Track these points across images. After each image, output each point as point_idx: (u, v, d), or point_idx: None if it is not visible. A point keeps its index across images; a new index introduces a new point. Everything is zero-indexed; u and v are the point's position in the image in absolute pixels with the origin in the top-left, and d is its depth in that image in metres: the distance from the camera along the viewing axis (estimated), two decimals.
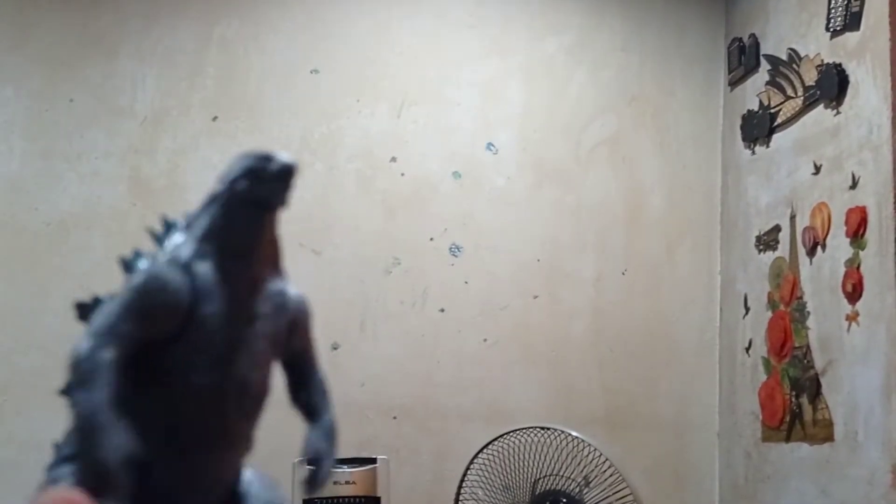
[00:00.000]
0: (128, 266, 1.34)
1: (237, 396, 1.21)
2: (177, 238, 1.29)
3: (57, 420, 2.87)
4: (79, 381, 1.15)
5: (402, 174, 2.88)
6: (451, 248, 2.87)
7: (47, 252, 2.70)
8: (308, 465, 1.29)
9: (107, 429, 1.09)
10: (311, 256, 2.79)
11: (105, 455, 1.07)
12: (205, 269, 1.19)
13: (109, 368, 1.12)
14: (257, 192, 1.20)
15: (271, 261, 1.26)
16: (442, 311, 2.82)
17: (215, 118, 2.83)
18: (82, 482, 1.10)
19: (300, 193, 2.80)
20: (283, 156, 1.21)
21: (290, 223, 2.78)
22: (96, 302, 1.31)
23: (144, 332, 1.15)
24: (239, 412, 1.22)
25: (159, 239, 1.32)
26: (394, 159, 2.89)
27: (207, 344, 1.17)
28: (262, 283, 1.23)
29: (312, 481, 1.29)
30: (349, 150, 2.88)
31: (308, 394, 1.35)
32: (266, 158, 1.21)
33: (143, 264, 1.30)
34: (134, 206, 2.76)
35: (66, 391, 1.20)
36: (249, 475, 1.28)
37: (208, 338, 1.17)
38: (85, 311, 1.31)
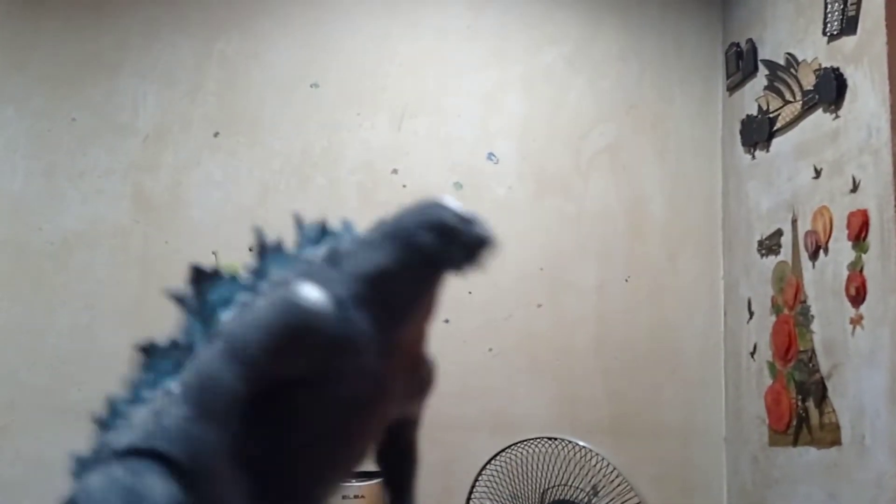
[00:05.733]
0: (264, 250, 1.12)
1: (349, 460, 1.07)
2: (313, 251, 1.09)
3: (63, 438, 2.86)
4: (206, 409, 0.94)
5: (404, 186, 2.89)
6: None
7: (52, 270, 2.71)
8: None
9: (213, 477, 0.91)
10: None
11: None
12: (361, 318, 0.99)
13: (236, 404, 0.94)
14: (444, 255, 1.03)
15: (425, 323, 1.09)
16: (446, 321, 2.82)
17: (216, 134, 2.84)
18: None
19: (302, 206, 2.83)
20: (482, 226, 1.04)
21: (293, 236, 2.82)
22: (153, 348, 1.10)
23: (280, 371, 0.97)
24: (343, 476, 1.07)
25: (303, 239, 1.10)
26: (395, 171, 2.89)
27: (343, 402, 1.00)
28: (414, 349, 1.07)
29: None
30: (350, 162, 2.89)
31: (401, 463, 1.23)
32: (465, 221, 1.04)
33: (277, 268, 1.08)
34: (137, 223, 2.77)
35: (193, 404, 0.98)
36: None
37: (345, 395, 0.99)
38: (149, 353, 1.10)
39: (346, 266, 1.04)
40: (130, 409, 1.04)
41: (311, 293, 0.99)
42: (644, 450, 2.84)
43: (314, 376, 0.99)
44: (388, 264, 1.03)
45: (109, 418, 1.04)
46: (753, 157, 2.86)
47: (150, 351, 1.10)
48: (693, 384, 2.95)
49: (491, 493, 2.43)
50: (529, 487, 2.43)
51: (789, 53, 2.68)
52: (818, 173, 2.50)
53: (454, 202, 1.06)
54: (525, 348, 2.87)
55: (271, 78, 2.90)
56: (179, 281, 2.73)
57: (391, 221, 1.08)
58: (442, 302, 2.93)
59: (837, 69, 2.43)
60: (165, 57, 2.86)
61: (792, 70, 2.67)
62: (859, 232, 2.30)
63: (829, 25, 2.49)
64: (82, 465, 1.02)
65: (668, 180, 3.05)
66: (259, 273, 1.10)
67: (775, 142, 2.74)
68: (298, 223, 1.15)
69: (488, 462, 2.45)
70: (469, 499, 2.45)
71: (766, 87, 2.80)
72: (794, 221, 2.60)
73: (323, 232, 1.15)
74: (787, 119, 2.67)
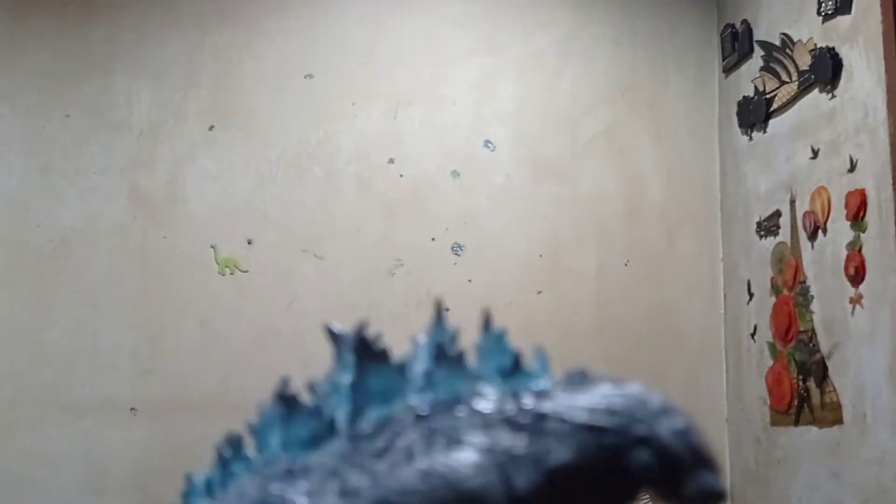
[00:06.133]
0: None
1: None
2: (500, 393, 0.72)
3: (67, 435, 2.87)
4: None
5: (401, 175, 2.89)
6: (452, 248, 2.88)
7: (51, 268, 2.71)
8: None
9: None
10: (314, 261, 2.79)
11: None
12: None
13: None
14: (656, 484, 0.80)
15: None
16: (447, 310, 2.81)
17: (212, 127, 2.84)
18: None
19: (300, 198, 2.84)
20: (711, 464, 0.71)
21: (291, 229, 2.82)
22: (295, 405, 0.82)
23: None
24: None
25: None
26: (391, 161, 2.89)
27: None
28: None
29: None
30: (347, 153, 2.88)
31: None
32: (693, 452, 0.71)
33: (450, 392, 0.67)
34: (134, 220, 2.76)
35: None
36: None
37: None
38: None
39: (533, 439, 0.78)
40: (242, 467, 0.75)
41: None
42: None
43: None
44: (581, 464, 0.79)
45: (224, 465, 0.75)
46: (751, 138, 2.86)
47: (290, 405, 0.80)
48: (694, 366, 2.96)
49: None
50: None
51: (784, 34, 2.67)
52: (815, 153, 2.50)
53: (676, 412, 0.75)
54: (526, 335, 2.83)
55: (265, 70, 2.89)
56: (179, 277, 2.74)
57: (599, 404, 0.74)
58: (441, 291, 2.93)
59: (833, 49, 2.42)
60: (158, 52, 2.85)
61: (787, 50, 2.66)
62: (857, 211, 2.30)
63: (823, 5, 2.48)
64: None
65: (665, 163, 3.04)
66: (431, 383, 0.78)
67: (772, 123, 2.74)
68: (496, 339, 0.79)
69: None
70: None
71: (761, 68, 2.80)
72: (793, 202, 2.60)
73: (515, 365, 0.81)
74: (784, 100, 2.67)
